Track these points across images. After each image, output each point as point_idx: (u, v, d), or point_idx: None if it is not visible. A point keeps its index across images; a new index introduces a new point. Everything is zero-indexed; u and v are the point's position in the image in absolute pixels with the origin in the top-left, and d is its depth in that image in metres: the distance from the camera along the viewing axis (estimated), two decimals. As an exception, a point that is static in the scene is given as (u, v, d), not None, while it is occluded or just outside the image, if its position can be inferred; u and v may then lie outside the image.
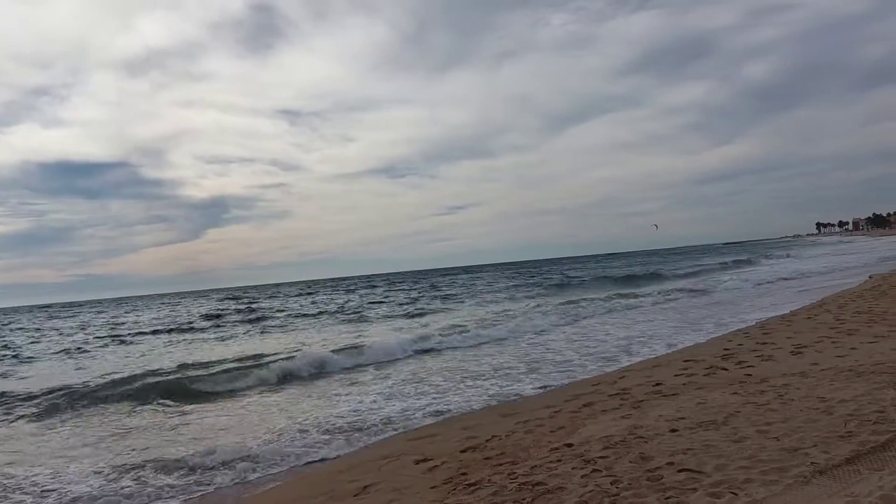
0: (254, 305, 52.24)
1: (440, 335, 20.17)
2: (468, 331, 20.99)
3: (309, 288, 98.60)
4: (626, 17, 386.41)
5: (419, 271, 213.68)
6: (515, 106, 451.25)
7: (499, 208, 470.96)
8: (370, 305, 41.00)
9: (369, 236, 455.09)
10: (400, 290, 62.74)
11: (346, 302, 47.33)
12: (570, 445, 6.58)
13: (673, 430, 6.62)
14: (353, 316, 33.25)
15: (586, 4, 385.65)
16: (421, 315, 30.51)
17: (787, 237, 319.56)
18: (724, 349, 11.89)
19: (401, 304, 39.28)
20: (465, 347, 18.26)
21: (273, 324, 32.32)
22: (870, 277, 26.27)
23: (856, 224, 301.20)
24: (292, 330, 28.36)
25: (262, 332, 28.38)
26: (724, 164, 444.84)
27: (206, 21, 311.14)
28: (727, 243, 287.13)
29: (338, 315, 34.68)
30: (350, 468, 7.21)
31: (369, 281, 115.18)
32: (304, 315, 36.40)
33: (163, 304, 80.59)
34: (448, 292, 49.74)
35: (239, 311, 44.68)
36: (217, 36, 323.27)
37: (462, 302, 37.34)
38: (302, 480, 7.16)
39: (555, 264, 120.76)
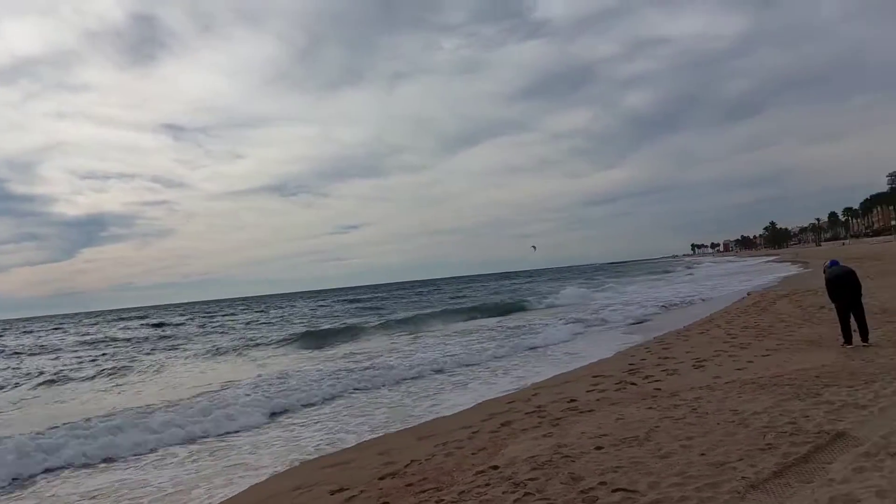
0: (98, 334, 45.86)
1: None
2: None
3: (183, 310, 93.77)
4: (517, 44, 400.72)
5: (314, 291, 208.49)
6: (409, 126, 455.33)
7: (394, 227, 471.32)
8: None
9: (260, 256, 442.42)
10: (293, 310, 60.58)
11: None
12: (495, 468, 6.33)
13: (598, 448, 6.52)
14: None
15: (477, 30, 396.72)
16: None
17: (665, 257, 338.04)
18: (630, 364, 12.11)
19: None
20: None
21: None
22: (748, 294, 27.96)
23: (726, 245, 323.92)
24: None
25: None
26: (609, 187, 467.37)
27: (83, 30, 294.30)
28: (612, 262, 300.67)
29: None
30: (260, 502, 6.63)
31: (262, 302, 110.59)
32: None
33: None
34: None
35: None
36: (95, 45, 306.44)
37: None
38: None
39: (449, 284, 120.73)
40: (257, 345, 27.56)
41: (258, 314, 58.64)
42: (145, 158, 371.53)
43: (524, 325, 24.78)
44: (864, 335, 11.02)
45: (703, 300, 29.66)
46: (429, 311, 39.88)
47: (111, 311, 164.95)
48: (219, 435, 10.38)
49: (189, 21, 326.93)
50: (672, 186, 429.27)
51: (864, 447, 5.45)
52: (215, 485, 7.64)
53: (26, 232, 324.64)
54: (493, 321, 29.61)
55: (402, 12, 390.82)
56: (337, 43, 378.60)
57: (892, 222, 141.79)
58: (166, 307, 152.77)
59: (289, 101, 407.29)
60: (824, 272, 11.68)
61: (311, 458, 8.35)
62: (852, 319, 11.14)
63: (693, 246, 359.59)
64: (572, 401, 9.36)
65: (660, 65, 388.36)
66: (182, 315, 72.32)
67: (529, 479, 5.76)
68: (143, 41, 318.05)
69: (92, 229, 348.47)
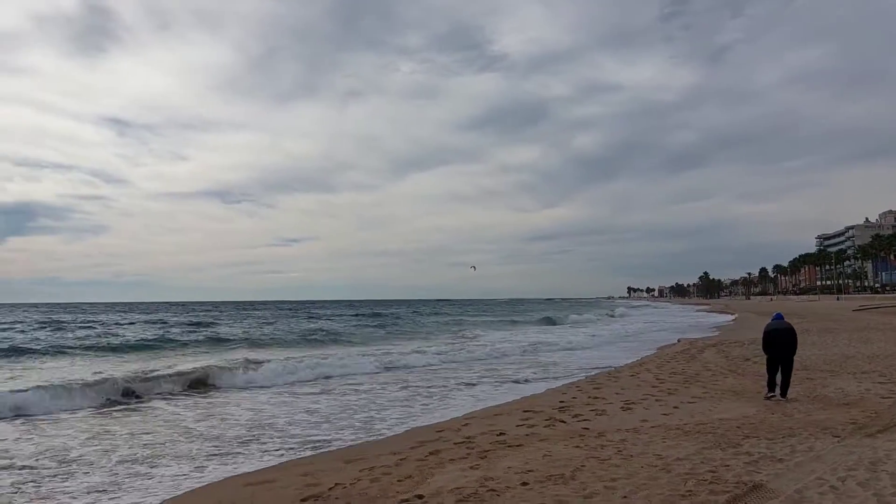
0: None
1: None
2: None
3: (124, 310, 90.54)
4: (472, 75, 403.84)
5: (247, 302, 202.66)
6: (359, 145, 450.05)
7: (336, 245, 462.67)
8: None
9: (195, 261, 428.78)
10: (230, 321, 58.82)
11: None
12: (420, 497, 6.28)
13: (524, 483, 6.55)
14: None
15: (434, 57, 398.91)
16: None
17: (600, 298, 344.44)
18: (560, 401, 12.24)
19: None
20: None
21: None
22: (678, 341, 28.71)
23: (661, 291, 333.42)
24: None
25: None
26: (549, 224, 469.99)
27: (31, 12, 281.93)
28: (548, 299, 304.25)
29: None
30: (173, 517, 6.40)
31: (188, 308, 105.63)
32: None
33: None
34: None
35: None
36: (42, 29, 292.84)
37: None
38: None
39: (384, 306, 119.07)
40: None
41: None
42: (85, 150, 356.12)
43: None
44: (784, 390, 11.46)
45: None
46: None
47: (32, 304, 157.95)
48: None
49: (146, 17, 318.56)
50: (611, 229, 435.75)
51: (779, 500, 5.64)
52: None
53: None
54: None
55: (363, 31, 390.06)
56: (293, 55, 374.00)
57: (818, 282, 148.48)
58: (92, 305, 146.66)
59: (238, 108, 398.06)
60: None
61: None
62: (779, 374, 11.58)
63: (629, 289, 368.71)
64: (501, 434, 9.38)
65: (609, 110, 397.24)
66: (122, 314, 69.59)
67: (454, 511, 5.73)
68: (94, 31, 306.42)
69: (19, 218, 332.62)
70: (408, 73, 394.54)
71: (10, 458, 8.95)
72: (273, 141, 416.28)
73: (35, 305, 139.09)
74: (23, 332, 39.61)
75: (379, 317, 65.10)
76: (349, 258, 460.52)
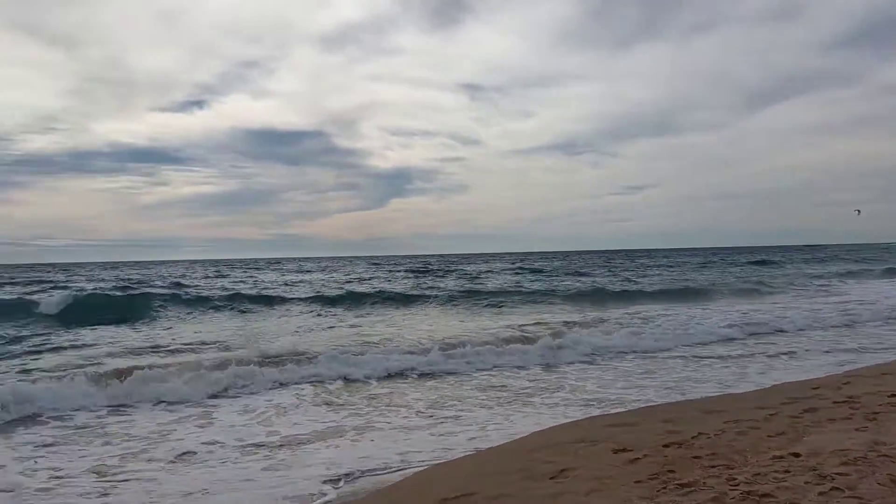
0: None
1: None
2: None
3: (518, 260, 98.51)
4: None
5: (595, 251, 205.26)
6: (706, 82, 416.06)
7: (679, 190, 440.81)
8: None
9: (543, 213, 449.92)
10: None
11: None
12: (796, 455, 5.83)
13: (928, 453, 5.64)
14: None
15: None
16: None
17: None
18: (974, 362, 10.19)
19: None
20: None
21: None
22: None
23: None
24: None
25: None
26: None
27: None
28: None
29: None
30: (543, 448, 6.96)
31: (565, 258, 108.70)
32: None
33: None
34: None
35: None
36: (406, 10, 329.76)
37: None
38: (493, 455, 7.04)
39: (741, 253, 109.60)
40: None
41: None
42: (445, 116, 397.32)
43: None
44: None
45: None
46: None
47: (410, 256, 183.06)
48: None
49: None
50: None
51: None
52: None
53: (346, 182, 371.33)
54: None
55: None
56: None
57: None
58: (465, 256, 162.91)
59: (578, 60, 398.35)
60: None
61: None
62: None
63: None
64: (893, 395, 8.18)
65: None
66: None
67: (838, 474, 5.20)
68: (449, 4, 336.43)
69: (399, 182, 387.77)
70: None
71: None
72: (613, 88, 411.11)
73: (413, 257, 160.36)
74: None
75: (737, 265, 61.02)
76: (697, 202, 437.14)
